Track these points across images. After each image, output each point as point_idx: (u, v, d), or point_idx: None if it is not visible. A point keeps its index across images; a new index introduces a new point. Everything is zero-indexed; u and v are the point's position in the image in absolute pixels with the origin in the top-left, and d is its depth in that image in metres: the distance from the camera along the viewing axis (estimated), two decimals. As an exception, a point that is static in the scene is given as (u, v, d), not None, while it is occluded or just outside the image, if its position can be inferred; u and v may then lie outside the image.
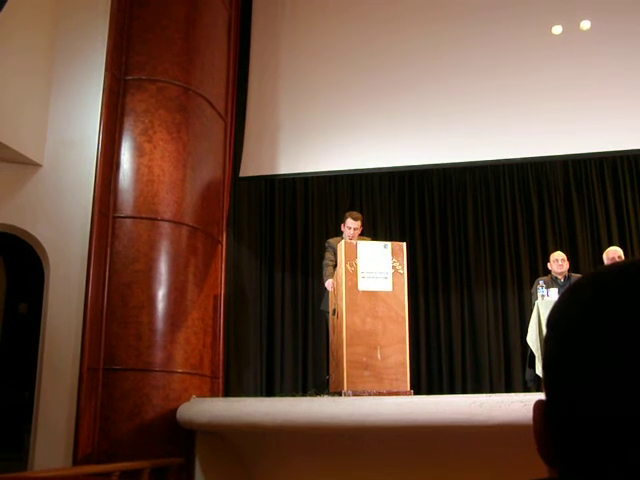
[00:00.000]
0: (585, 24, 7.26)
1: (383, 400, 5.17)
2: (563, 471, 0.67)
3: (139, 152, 6.34)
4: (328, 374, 6.44)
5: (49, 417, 5.58)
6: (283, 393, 7.20)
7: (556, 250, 7.23)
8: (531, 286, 7.09)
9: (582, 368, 0.65)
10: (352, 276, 5.88)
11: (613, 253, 6.64)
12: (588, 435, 0.64)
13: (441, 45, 7.74)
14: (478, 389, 7.35)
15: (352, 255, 5.94)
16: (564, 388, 0.67)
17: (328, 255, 6.55)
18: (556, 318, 0.71)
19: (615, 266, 0.69)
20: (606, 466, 0.62)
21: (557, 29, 7.14)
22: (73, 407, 5.58)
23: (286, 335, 7.88)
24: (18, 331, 6.71)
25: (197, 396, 6.13)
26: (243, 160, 7.75)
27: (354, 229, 6.50)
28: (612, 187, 7.94)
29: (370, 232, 7.41)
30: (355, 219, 6.56)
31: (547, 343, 0.71)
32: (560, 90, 7.41)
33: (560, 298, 0.72)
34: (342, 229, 6.62)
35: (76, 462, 5.44)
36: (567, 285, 6.65)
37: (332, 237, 6.81)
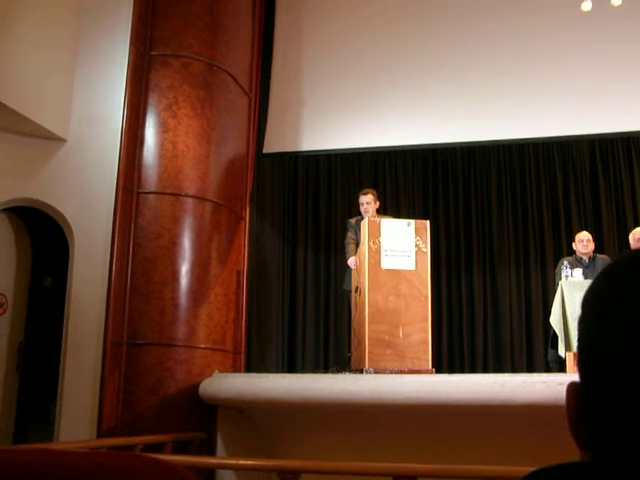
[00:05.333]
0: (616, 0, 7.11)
1: (404, 378, 5.18)
2: (596, 455, 0.66)
3: (163, 128, 6.35)
4: (350, 351, 6.46)
5: (74, 390, 5.65)
6: (304, 370, 7.23)
7: (581, 230, 7.15)
8: (555, 266, 7.03)
9: (617, 350, 0.64)
10: (375, 254, 5.87)
11: (639, 234, 6.56)
12: (623, 418, 0.63)
13: (466, 25, 7.64)
14: (499, 369, 7.33)
15: (375, 233, 5.92)
16: (599, 370, 0.66)
17: (349, 234, 6.56)
18: (591, 300, 0.70)
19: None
20: None
21: (587, 5, 6.99)
22: (97, 381, 5.64)
23: (308, 311, 7.90)
24: (43, 305, 6.78)
25: (219, 371, 6.18)
26: (267, 136, 7.73)
27: (366, 203, 6.48)
28: (639, 167, 7.82)
29: (393, 210, 7.38)
30: (364, 194, 6.54)
31: (582, 325, 0.70)
32: (588, 68, 7.29)
33: (595, 280, 0.71)
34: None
35: (100, 434, 5.51)
36: (592, 266, 6.59)
37: (354, 216, 6.80)
